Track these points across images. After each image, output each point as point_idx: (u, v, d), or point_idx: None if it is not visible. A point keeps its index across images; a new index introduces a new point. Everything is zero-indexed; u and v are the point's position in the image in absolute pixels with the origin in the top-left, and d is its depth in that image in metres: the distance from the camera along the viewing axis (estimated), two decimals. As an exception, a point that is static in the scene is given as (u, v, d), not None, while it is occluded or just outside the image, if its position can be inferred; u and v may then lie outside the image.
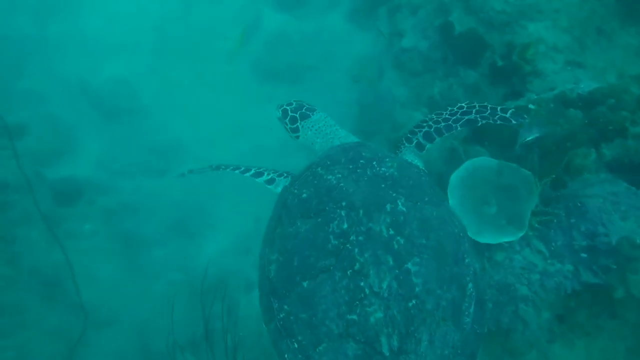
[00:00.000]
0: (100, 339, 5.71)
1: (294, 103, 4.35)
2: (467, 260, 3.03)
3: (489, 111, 3.73)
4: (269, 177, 3.92)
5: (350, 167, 3.27)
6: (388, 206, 3.02)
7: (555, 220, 3.68)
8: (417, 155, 3.82)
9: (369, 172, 3.21)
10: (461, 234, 3.14)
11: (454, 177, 3.89)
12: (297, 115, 4.24)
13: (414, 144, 3.82)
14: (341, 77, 9.14)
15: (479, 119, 3.75)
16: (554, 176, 3.80)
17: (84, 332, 5.46)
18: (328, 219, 3.04)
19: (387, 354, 2.74)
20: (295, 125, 4.23)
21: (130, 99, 9.22)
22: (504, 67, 4.81)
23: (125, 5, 10.24)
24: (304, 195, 3.25)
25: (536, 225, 3.74)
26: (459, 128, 3.80)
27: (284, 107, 4.33)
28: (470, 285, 2.98)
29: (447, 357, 2.82)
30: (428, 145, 3.83)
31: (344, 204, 3.05)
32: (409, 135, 3.86)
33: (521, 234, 3.58)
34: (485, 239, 3.62)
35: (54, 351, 5.05)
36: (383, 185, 3.14)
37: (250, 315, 6.36)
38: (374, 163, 3.28)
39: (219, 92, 9.78)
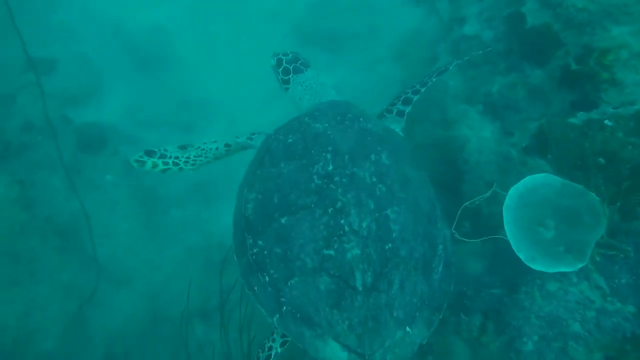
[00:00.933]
0: (111, 298, 5.57)
1: (290, 55, 4.30)
2: (439, 225, 3.16)
3: (453, 61, 4.17)
4: (244, 137, 3.83)
5: (338, 118, 3.36)
6: (373, 156, 3.14)
7: (622, 256, 3.33)
8: (398, 123, 3.90)
9: (355, 126, 3.32)
10: (434, 201, 3.27)
11: (512, 192, 3.52)
12: (291, 68, 4.21)
13: (394, 113, 3.91)
14: (385, 51, 8.67)
15: (448, 67, 4.14)
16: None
17: (95, 289, 5.31)
18: (313, 160, 3.11)
19: (360, 288, 2.79)
20: (287, 77, 4.23)
21: (164, 48, 8.86)
22: (578, 71, 4.35)
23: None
24: (290, 140, 3.31)
25: (598, 258, 3.39)
26: (433, 79, 4.09)
27: (280, 56, 4.29)
28: (440, 247, 3.09)
29: (415, 305, 2.88)
30: (407, 110, 3.94)
31: (330, 148, 3.15)
32: (389, 107, 3.94)
33: (581, 266, 3.23)
34: (539, 265, 3.28)
35: (63, 308, 4.91)
36: (369, 139, 3.25)
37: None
38: (361, 119, 3.38)
39: (256, 52, 9.34)
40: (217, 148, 3.89)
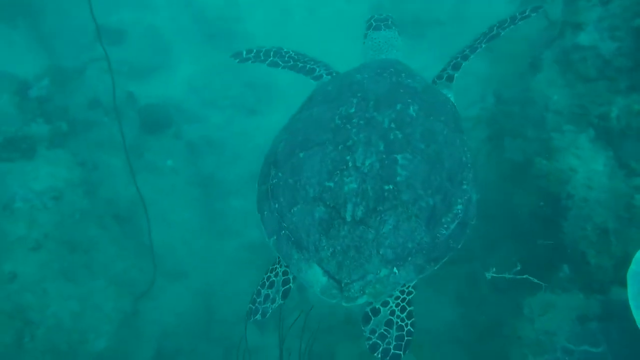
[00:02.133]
0: (165, 293, 5.37)
1: (384, 15, 4.53)
2: (464, 187, 3.16)
3: (508, 21, 4.14)
4: (319, 73, 4.07)
5: (378, 71, 3.53)
6: (398, 106, 3.24)
7: None
8: (449, 89, 3.92)
9: (393, 79, 3.45)
10: (468, 164, 3.25)
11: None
12: (373, 24, 4.43)
13: (444, 78, 3.94)
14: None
15: (500, 31, 4.15)
16: None
17: (151, 285, 5.12)
18: (340, 103, 3.29)
19: (349, 219, 2.90)
20: (366, 32, 4.44)
21: (235, 23, 8.46)
22: None
23: None
24: (329, 87, 3.53)
25: None
26: (483, 46, 4.15)
27: (376, 15, 4.55)
28: (459, 207, 3.10)
29: (408, 249, 2.95)
30: (457, 74, 3.99)
31: (359, 94, 3.32)
32: (440, 73, 3.98)
33: None
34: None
35: (118, 305, 4.74)
36: (401, 91, 3.35)
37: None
38: (403, 74, 3.50)
39: (331, 32, 8.80)
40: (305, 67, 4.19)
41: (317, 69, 4.10)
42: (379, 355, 3.01)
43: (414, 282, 3.07)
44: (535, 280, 3.46)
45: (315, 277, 3.00)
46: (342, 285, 2.94)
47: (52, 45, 7.60)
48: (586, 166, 4.10)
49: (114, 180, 5.72)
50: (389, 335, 3.06)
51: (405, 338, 3.05)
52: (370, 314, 3.08)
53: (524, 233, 4.64)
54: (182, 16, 8.37)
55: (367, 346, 3.05)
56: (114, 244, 5.27)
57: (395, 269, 2.96)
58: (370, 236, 2.93)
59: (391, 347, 3.02)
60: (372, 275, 2.93)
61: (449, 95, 3.81)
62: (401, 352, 3.00)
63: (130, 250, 5.45)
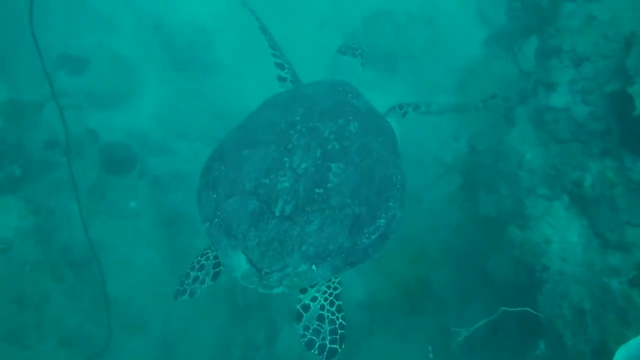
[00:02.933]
0: (123, 350, 5.08)
1: (356, 44, 4.85)
2: (390, 204, 3.37)
3: (472, 106, 4.48)
4: (284, 75, 4.42)
5: (328, 88, 3.88)
6: (340, 120, 3.49)
7: None
8: (397, 119, 4.26)
9: (341, 97, 3.75)
10: (397, 185, 3.46)
11: (622, 354, 2.86)
12: (342, 48, 4.78)
13: (401, 112, 4.31)
14: (445, 79, 7.91)
15: (465, 108, 4.52)
16: None
17: (106, 345, 4.82)
18: (288, 111, 3.54)
19: (277, 214, 3.11)
20: (335, 53, 4.79)
21: (204, 51, 8.22)
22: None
23: None
24: (282, 97, 3.85)
25: None
26: (448, 109, 4.49)
27: (348, 43, 4.88)
28: (383, 221, 3.30)
29: (328, 251, 3.13)
30: (410, 115, 4.33)
31: (306, 105, 3.57)
32: (400, 105, 4.30)
33: None
34: None
35: (70, 367, 4.45)
36: (346, 108, 3.61)
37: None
38: (350, 95, 3.80)
39: (302, 62, 8.55)
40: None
41: (286, 69, 4.46)
42: (316, 352, 3.12)
43: (338, 279, 3.30)
44: None
45: (239, 263, 3.15)
46: (262, 273, 3.11)
47: (11, 72, 7.22)
48: (561, 236, 4.03)
49: (71, 225, 5.41)
50: (322, 330, 3.19)
51: (339, 331, 3.17)
52: (301, 310, 3.22)
53: (498, 297, 4.56)
54: (149, 42, 8.08)
55: (303, 344, 3.15)
56: (67, 297, 4.97)
57: (314, 266, 3.15)
58: (295, 232, 3.13)
59: (327, 342, 3.13)
60: (291, 269, 3.12)
61: (393, 124, 4.07)
62: (337, 347, 3.12)
63: (86, 299, 5.14)
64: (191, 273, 3.49)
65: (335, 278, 3.32)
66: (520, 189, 4.51)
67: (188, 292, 3.42)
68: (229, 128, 7.83)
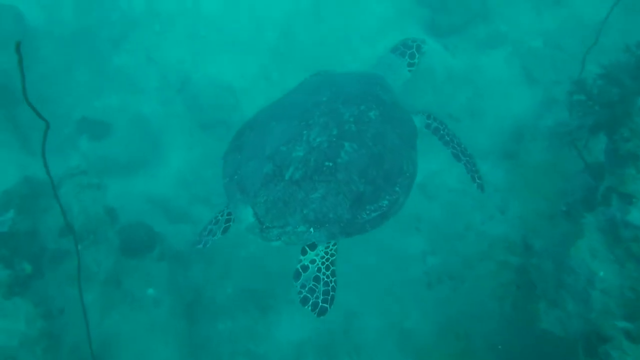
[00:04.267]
0: None
1: (415, 43, 5.01)
2: (396, 189, 3.67)
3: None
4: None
5: (359, 78, 4.19)
6: (362, 107, 3.79)
7: None
8: (421, 117, 4.48)
9: (368, 88, 4.04)
10: (407, 174, 3.77)
11: None
12: (398, 45, 5.05)
13: (426, 117, 4.51)
14: (488, 142, 7.31)
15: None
16: None
17: None
18: (317, 93, 3.91)
19: (287, 178, 3.49)
20: (390, 49, 5.09)
21: (232, 110, 7.78)
22: None
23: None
24: (314, 80, 4.32)
25: None
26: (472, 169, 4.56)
27: (408, 41, 5.07)
28: (385, 202, 3.61)
29: (328, 218, 3.46)
30: (433, 126, 4.49)
31: (334, 89, 3.92)
32: (431, 116, 4.52)
33: None
34: None
35: None
36: (370, 98, 3.91)
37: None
38: (378, 87, 4.13)
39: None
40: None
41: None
42: (309, 308, 3.52)
43: (336, 246, 3.64)
44: None
45: (246, 216, 3.58)
46: (264, 227, 3.50)
47: (30, 137, 6.93)
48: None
49: (82, 321, 4.96)
50: (317, 290, 3.56)
51: (331, 293, 3.54)
52: (300, 270, 3.63)
53: None
54: (174, 102, 7.71)
55: (299, 299, 3.56)
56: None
57: (312, 229, 3.49)
58: (299, 196, 3.48)
59: (319, 301, 3.51)
60: (291, 228, 3.49)
61: (416, 120, 4.40)
62: (328, 306, 3.51)
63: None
64: (208, 226, 4.02)
65: (333, 245, 3.69)
66: (592, 311, 3.88)
67: (202, 242, 3.94)
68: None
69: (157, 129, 7.57)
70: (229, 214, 3.85)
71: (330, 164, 3.53)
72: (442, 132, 4.49)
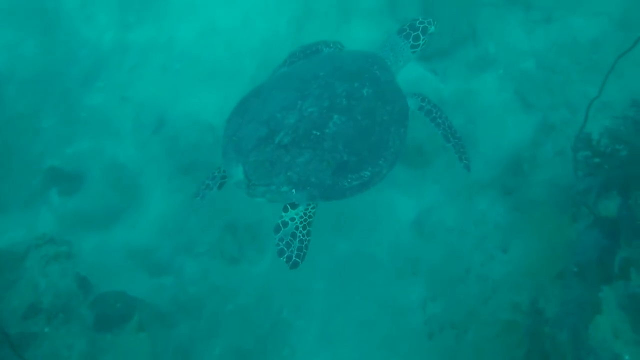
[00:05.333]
0: None
1: (422, 25, 4.98)
2: (380, 162, 3.99)
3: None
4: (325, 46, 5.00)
5: (360, 56, 4.50)
6: (356, 84, 4.15)
7: None
8: (415, 100, 4.71)
9: (365, 65, 4.36)
10: (392, 148, 4.08)
11: None
12: (405, 26, 5.04)
13: (420, 99, 4.72)
14: (486, 175, 6.93)
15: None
16: None
17: None
18: (319, 67, 4.31)
19: (276, 142, 3.87)
20: (394, 30, 5.11)
21: (213, 151, 7.32)
22: None
23: (226, 17, 8.15)
24: (322, 57, 4.68)
25: None
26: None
27: (417, 22, 5.02)
28: (367, 173, 3.93)
29: (310, 182, 3.83)
30: (427, 108, 4.77)
31: (334, 64, 4.33)
32: (425, 99, 4.76)
33: None
34: None
35: None
36: (366, 75, 4.25)
37: None
38: (376, 67, 4.40)
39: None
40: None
41: (324, 49, 4.98)
42: (284, 259, 3.91)
43: (315, 209, 4.03)
44: None
45: (237, 173, 3.90)
46: (250, 184, 3.83)
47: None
48: None
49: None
50: (292, 245, 3.94)
51: (304, 250, 3.94)
52: (280, 225, 3.98)
53: None
54: (150, 145, 7.24)
55: (276, 251, 3.94)
56: None
57: (294, 190, 3.81)
58: (285, 159, 3.79)
59: (293, 255, 3.91)
60: (275, 187, 3.81)
61: (411, 103, 4.65)
62: (300, 260, 3.92)
63: None
64: (206, 181, 4.40)
65: (312, 208, 4.05)
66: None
67: (200, 195, 4.35)
68: (241, 241, 6.95)
69: (133, 175, 7.11)
70: (225, 170, 4.19)
71: (318, 133, 3.84)
72: (434, 114, 4.74)
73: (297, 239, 3.98)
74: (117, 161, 7.02)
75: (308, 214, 4.03)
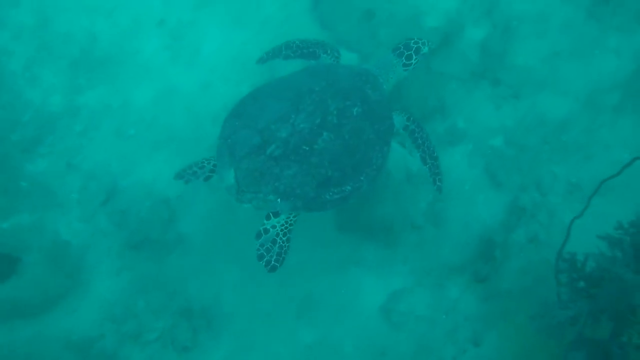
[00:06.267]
0: None
1: (417, 45, 5.30)
2: (362, 178, 4.43)
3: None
4: (328, 56, 5.31)
5: (354, 73, 4.85)
6: (348, 102, 4.50)
7: None
8: (401, 117, 5.15)
9: (359, 84, 4.73)
10: (374, 166, 4.53)
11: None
12: (400, 46, 5.34)
13: (406, 119, 5.20)
14: (457, 256, 6.68)
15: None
16: None
17: None
18: (315, 80, 4.60)
19: (267, 153, 4.24)
20: (391, 49, 5.41)
21: (166, 227, 6.77)
22: None
23: (185, 81, 7.73)
24: (317, 68, 4.98)
25: None
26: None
27: (414, 40, 5.36)
28: (349, 188, 4.38)
29: (295, 194, 4.26)
30: (411, 128, 5.25)
31: (329, 80, 4.61)
32: (411, 119, 5.21)
33: None
34: None
35: None
36: (357, 94, 4.60)
37: None
38: (368, 85, 4.81)
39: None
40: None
41: (322, 55, 5.28)
42: (263, 263, 4.43)
43: (296, 219, 4.51)
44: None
45: (228, 177, 4.36)
46: (239, 190, 4.31)
47: None
48: None
49: None
50: (272, 251, 4.42)
51: (282, 255, 4.47)
52: (262, 232, 4.49)
53: None
54: (98, 218, 6.65)
55: (256, 255, 4.47)
56: None
57: (279, 199, 4.29)
58: (275, 171, 4.25)
59: (272, 260, 4.44)
60: (262, 195, 4.30)
61: (397, 120, 5.02)
62: (278, 265, 4.45)
63: None
64: (193, 167, 4.80)
65: (294, 217, 4.48)
66: None
67: (185, 178, 4.83)
68: (196, 327, 6.34)
69: (77, 252, 6.48)
70: (215, 165, 4.53)
71: (307, 148, 4.18)
72: (416, 134, 5.10)
73: (277, 245, 4.38)
74: (59, 238, 6.38)
75: (289, 222, 4.44)
